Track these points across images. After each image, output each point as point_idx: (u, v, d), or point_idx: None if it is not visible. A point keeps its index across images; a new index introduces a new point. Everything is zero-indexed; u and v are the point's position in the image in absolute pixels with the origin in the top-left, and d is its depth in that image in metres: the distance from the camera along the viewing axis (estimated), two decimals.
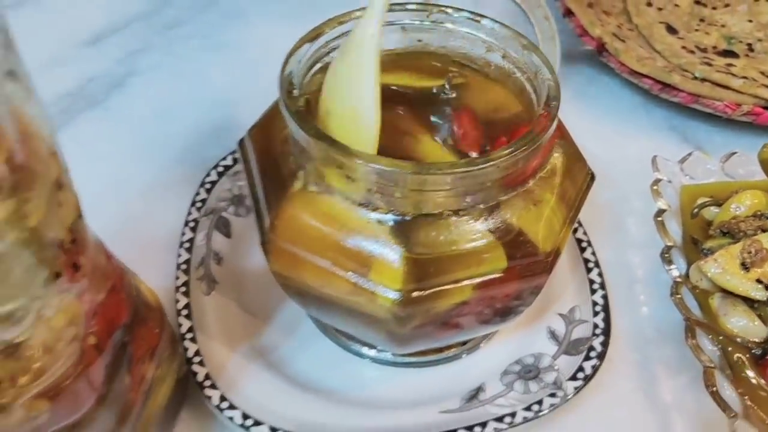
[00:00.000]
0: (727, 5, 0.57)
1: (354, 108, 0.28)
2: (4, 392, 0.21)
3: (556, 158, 0.30)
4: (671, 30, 0.54)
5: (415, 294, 0.27)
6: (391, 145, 0.28)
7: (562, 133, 0.31)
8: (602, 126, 0.37)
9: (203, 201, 0.40)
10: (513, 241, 0.28)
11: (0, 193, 0.18)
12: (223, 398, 0.32)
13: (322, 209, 0.28)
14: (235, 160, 0.42)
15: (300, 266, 0.29)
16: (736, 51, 0.53)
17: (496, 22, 0.31)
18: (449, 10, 0.32)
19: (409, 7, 0.32)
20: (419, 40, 0.33)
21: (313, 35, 0.30)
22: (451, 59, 0.33)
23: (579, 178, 0.31)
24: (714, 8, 0.57)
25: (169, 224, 0.40)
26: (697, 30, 0.54)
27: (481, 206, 0.27)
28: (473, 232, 0.27)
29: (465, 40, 0.32)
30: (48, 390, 0.23)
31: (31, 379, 0.22)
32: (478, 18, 0.31)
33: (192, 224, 0.39)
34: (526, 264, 0.28)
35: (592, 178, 0.31)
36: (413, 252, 0.27)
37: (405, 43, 0.33)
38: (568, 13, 0.52)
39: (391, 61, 0.33)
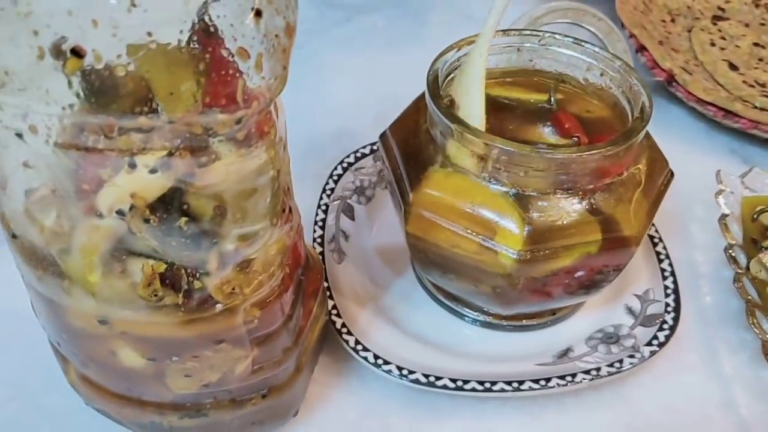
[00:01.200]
0: None
1: (466, 112, 0.35)
2: (236, 296, 0.29)
3: (645, 156, 0.37)
4: (733, 67, 0.61)
5: (530, 255, 0.34)
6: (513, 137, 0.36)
7: (648, 136, 0.38)
8: (669, 148, 0.43)
9: (332, 190, 0.48)
10: (608, 219, 0.35)
11: (269, 141, 0.26)
12: (357, 342, 0.39)
13: (457, 185, 0.35)
14: (357, 158, 0.50)
15: (434, 230, 0.36)
16: None
17: (596, 46, 0.39)
18: (557, 36, 0.39)
19: (525, 32, 0.40)
20: (530, 60, 0.40)
21: (453, 47, 0.38)
22: (554, 76, 0.40)
23: (662, 174, 0.37)
24: None
25: (301, 209, 0.48)
26: (756, 68, 0.61)
27: (584, 188, 0.34)
28: (576, 209, 0.34)
29: (569, 60, 0.40)
30: (260, 302, 0.30)
31: (252, 290, 0.29)
32: (581, 42, 0.39)
33: (324, 207, 0.47)
34: (617, 238, 0.35)
35: (672, 175, 0.38)
36: (530, 221, 0.34)
37: (519, 63, 0.40)
38: (641, 49, 0.59)
39: (506, 77, 0.40)
